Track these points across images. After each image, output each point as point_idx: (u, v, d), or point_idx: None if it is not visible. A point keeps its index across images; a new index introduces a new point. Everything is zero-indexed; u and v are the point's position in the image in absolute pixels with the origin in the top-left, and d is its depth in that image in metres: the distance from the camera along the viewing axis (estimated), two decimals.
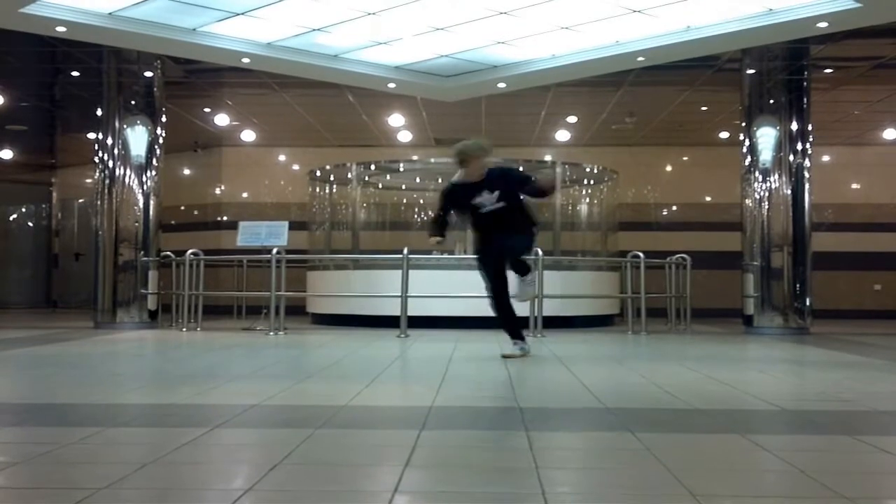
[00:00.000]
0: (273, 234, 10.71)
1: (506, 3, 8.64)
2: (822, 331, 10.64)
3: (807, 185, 10.59)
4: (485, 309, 10.78)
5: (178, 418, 3.80)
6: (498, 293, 6.59)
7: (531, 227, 6.62)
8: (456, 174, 6.65)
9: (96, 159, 11.10)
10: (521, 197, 6.58)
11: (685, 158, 16.48)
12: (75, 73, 11.87)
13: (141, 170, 10.94)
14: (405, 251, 9.60)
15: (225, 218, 16.38)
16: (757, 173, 10.63)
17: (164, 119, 11.35)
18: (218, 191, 16.77)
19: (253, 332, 10.07)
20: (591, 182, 14.09)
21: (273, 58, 10.11)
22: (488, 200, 6.41)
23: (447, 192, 6.67)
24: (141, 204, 10.91)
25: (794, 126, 10.60)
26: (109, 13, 8.93)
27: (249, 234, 10.91)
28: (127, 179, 10.88)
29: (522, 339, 6.68)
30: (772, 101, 10.71)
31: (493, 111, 13.56)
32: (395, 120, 14.46)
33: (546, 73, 10.68)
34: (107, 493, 2.42)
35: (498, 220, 6.42)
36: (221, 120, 14.44)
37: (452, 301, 10.36)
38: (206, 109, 14.03)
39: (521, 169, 6.82)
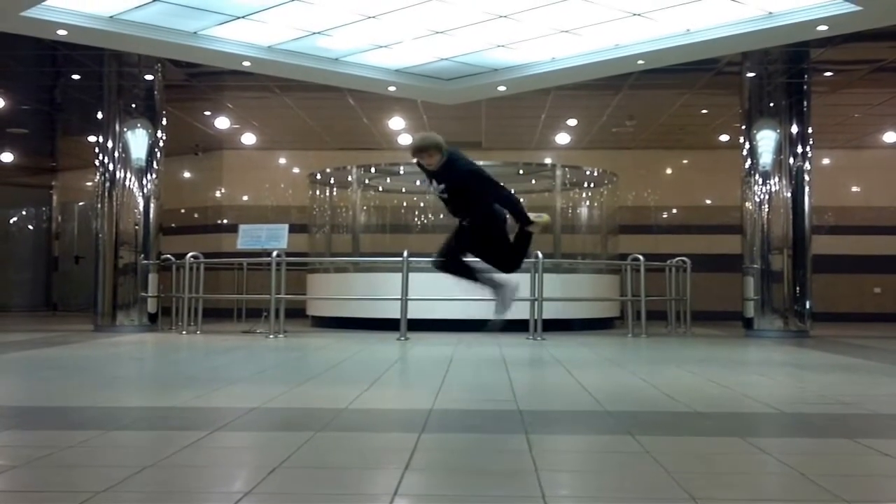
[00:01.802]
0: (273, 237, 10.71)
1: (506, 6, 8.65)
2: (822, 334, 10.63)
3: (807, 188, 10.60)
4: (485, 312, 10.71)
5: (179, 421, 3.80)
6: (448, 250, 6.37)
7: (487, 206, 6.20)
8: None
9: (97, 162, 11.10)
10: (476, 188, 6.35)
11: (685, 161, 16.48)
12: (76, 77, 11.87)
13: (141, 173, 10.94)
14: (405, 254, 9.60)
15: (225, 221, 16.38)
16: (757, 176, 10.63)
17: (164, 122, 11.35)
18: (218, 194, 16.77)
19: (253, 334, 10.07)
20: (592, 185, 14.10)
21: (274, 61, 10.12)
22: (436, 189, 6.50)
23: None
24: (141, 207, 10.91)
25: (794, 129, 10.61)
26: (110, 17, 8.95)
27: (250, 236, 10.91)
28: (127, 182, 10.88)
29: (491, 283, 6.21)
30: (772, 105, 10.72)
31: (493, 114, 13.57)
32: (396, 123, 14.46)
33: (546, 76, 10.69)
34: (107, 496, 2.42)
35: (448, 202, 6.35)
36: (222, 123, 14.45)
37: (452, 304, 10.35)
38: (207, 113, 14.03)
39: (478, 165, 6.57)
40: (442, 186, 6.39)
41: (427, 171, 6.47)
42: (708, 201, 16.18)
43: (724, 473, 2.86)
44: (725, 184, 14.44)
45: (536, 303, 9.52)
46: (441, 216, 15.47)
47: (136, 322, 10.74)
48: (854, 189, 16.12)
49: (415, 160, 6.39)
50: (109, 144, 10.94)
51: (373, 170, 13.78)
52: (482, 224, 6.42)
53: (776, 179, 10.54)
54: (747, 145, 10.76)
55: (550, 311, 9.98)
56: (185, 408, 4.15)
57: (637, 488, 2.63)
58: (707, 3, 8.46)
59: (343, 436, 3.43)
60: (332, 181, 13.75)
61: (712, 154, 15.49)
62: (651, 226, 16.04)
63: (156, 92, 11.21)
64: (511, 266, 6.62)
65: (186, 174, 16.99)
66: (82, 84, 11.97)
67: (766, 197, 10.55)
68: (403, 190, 15.33)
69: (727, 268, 12.96)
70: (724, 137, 14.73)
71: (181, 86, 12.17)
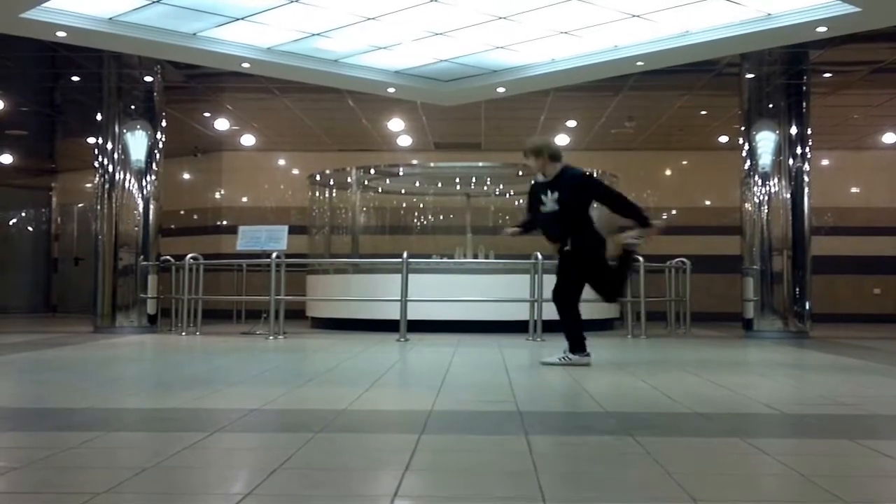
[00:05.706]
0: (273, 239, 10.71)
1: (505, 7, 8.65)
2: (822, 335, 10.63)
3: (806, 189, 10.60)
4: (484, 313, 10.67)
5: (178, 423, 3.80)
6: (556, 295, 6.50)
7: (589, 238, 6.44)
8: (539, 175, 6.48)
9: (96, 164, 11.11)
10: (588, 207, 6.50)
11: (685, 162, 16.49)
12: (75, 78, 11.88)
13: (141, 174, 10.95)
14: (405, 255, 9.60)
15: (225, 222, 16.38)
16: (756, 177, 10.63)
17: (164, 124, 11.36)
18: (218, 195, 16.77)
19: (252, 336, 10.07)
20: None
21: (273, 62, 10.12)
22: (549, 201, 6.34)
23: (530, 190, 6.53)
24: (141, 208, 10.91)
25: (794, 130, 10.61)
26: (110, 18, 8.95)
27: (249, 238, 10.92)
28: (127, 184, 10.89)
29: (578, 350, 6.38)
30: (771, 106, 10.72)
31: (492, 115, 13.58)
32: (395, 124, 14.47)
33: (545, 77, 10.69)
34: (106, 497, 2.42)
35: (553, 224, 6.35)
36: (221, 124, 14.45)
37: (452, 305, 10.37)
38: (207, 114, 14.04)
39: (598, 178, 6.58)
40: (556, 195, 6.28)
41: (542, 184, 6.36)
42: (707, 202, 16.18)
43: (724, 474, 2.86)
44: (725, 185, 14.44)
45: (536, 304, 9.51)
46: (441, 217, 15.55)
47: (136, 323, 10.74)
48: (853, 190, 16.12)
49: (539, 176, 6.39)
50: (109, 146, 10.94)
51: (372, 171, 13.79)
52: (583, 247, 6.36)
53: (775, 180, 10.55)
54: (746, 146, 10.76)
55: (550, 312, 9.96)
56: (185, 409, 4.15)
57: (638, 490, 2.63)
58: (706, 4, 8.46)
59: (343, 437, 3.43)
60: (331, 182, 13.75)
61: (712, 155, 15.49)
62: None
63: (155, 93, 11.21)
64: (614, 293, 6.63)
65: (186, 176, 17.00)
66: (82, 86, 11.98)
67: (766, 198, 10.55)
68: (403, 191, 15.34)
69: (727, 269, 12.95)
70: (724, 138, 14.74)
71: (181, 87, 12.19)
